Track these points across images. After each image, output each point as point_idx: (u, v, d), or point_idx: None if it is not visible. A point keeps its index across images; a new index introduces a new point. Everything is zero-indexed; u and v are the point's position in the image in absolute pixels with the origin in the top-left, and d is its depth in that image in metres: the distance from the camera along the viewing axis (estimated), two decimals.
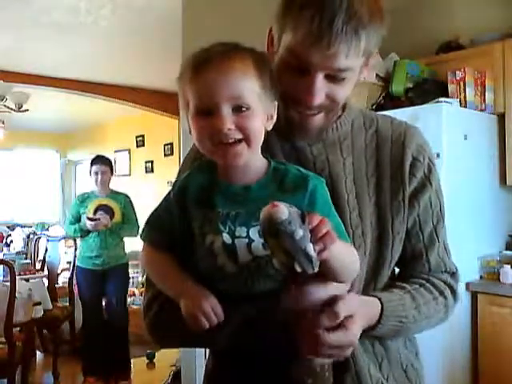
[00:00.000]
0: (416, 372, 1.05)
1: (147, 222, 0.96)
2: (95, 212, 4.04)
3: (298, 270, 0.72)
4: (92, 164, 4.20)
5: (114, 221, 4.09)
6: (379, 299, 0.92)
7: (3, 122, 6.44)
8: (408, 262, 1.03)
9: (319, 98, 0.91)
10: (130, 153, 8.34)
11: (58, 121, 8.47)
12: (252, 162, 0.87)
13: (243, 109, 0.82)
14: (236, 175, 0.87)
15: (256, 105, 0.84)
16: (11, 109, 5.55)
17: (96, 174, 4.15)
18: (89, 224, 3.96)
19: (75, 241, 4.69)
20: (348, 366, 0.93)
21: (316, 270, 0.72)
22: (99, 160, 4.23)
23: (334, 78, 0.90)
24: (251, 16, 2.94)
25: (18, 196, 8.92)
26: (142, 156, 8.05)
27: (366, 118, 1.06)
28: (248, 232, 0.83)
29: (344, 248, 0.82)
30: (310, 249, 0.71)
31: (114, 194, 4.25)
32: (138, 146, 8.17)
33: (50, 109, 7.42)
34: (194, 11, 3.37)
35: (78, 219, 4.11)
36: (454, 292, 1.05)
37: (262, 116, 0.85)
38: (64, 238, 5.49)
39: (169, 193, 0.94)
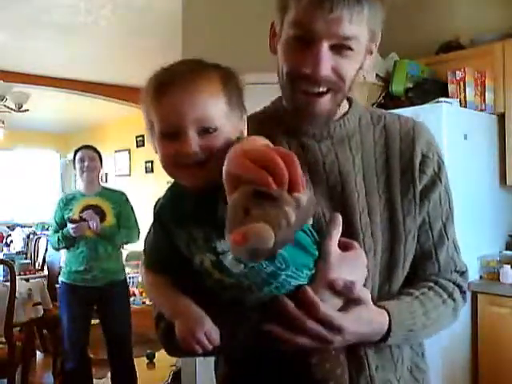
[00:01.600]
0: (421, 372, 1.03)
1: (144, 248, 0.95)
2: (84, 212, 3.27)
3: None
4: (76, 152, 3.43)
5: (106, 224, 3.28)
6: (386, 310, 0.90)
7: (3, 122, 6.44)
8: (417, 261, 1.01)
9: (325, 69, 0.88)
10: (129, 153, 8.34)
11: (57, 121, 8.48)
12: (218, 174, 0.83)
13: (210, 130, 0.80)
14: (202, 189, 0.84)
15: (223, 124, 0.82)
16: (11, 109, 5.55)
17: (82, 160, 3.35)
18: (71, 228, 3.17)
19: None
20: (362, 367, 0.93)
21: None
22: (84, 147, 3.48)
23: (339, 49, 0.89)
24: (251, 16, 2.94)
25: (18, 196, 8.93)
26: (141, 156, 8.05)
27: (373, 114, 1.05)
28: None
29: None
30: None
31: (106, 192, 3.45)
32: (138, 146, 8.17)
33: (49, 109, 7.43)
34: (194, 11, 3.37)
35: (63, 226, 3.28)
36: (463, 292, 1.03)
37: (230, 134, 0.83)
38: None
39: (153, 217, 0.93)
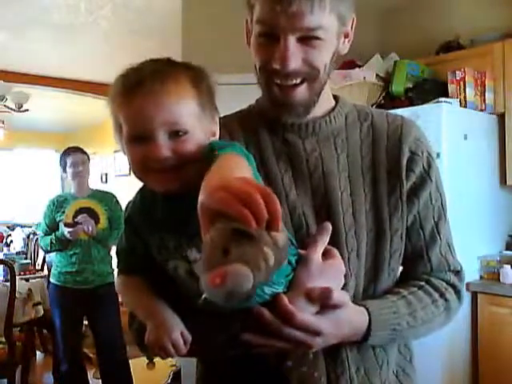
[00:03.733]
0: (408, 377, 1.02)
1: (116, 251, 0.94)
2: (75, 217, 3.24)
3: None
4: (65, 155, 3.35)
5: (100, 227, 3.29)
6: (366, 309, 0.89)
7: (3, 122, 6.43)
8: (409, 261, 1.00)
9: (293, 62, 0.88)
10: None
11: (58, 121, 8.48)
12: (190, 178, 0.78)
13: (180, 133, 0.78)
14: (175, 194, 0.82)
15: (194, 127, 0.79)
16: (11, 109, 5.55)
17: (74, 165, 3.29)
18: (67, 231, 3.15)
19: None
20: (342, 369, 0.91)
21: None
22: (73, 149, 3.38)
23: (306, 40, 0.88)
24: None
25: (18, 196, 8.92)
26: None
27: (361, 111, 1.03)
28: (200, 251, 0.77)
29: None
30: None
31: (97, 194, 3.42)
32: None
33: (49, 109, 7.43)
34: (194, 11, 3.37)
35: (55, 229, 3.27)
36: (457, 292, 1.01)
37: (201, 137, 0.80)
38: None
39: (124, 220, 0.92)
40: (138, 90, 0.77)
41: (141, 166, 0.80)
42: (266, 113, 1.00)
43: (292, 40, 0.87)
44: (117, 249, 0.94)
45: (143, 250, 0.87)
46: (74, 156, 3.34)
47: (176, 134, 0.78)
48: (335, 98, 1.04)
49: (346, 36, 0.95)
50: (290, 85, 0.91)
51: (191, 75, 0.82)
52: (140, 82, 0.78)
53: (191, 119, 0.79)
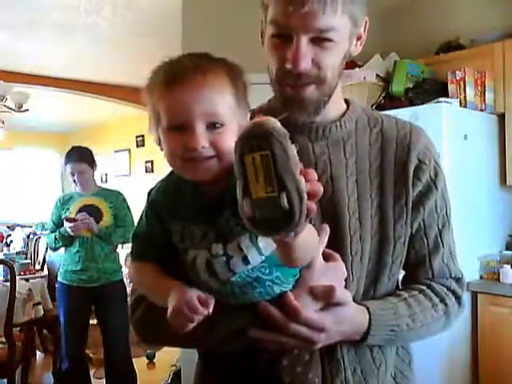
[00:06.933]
0: (407, 380, 1.03)
1: (132, 238, 0.94)
2: (78, 214, 3.28)
3: (285, 205, 0.61)
4: (66, 162, 3.36)
5: (103, 224, 3.28)
6: (367, 308, 0.91)
7: (3, 122, 6.44)
8: (411, 266, 1.01)
9: (304, 62, 0.89)
10: (129, 153, 8.35)
11: (58, 121, 8.49)
12: (223, 173, 0.82)
13: (217, 125, 0.80)
14: (206, 186, 0.84)
15: (230, 120, 0.81)
16: (11, 109, 5.55)
17: (72, 174, 3.34)
18: (68, 227, 3.19)
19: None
20: (338, 370, 0.93)
21: (303, 219, 0.63)
22: (73, 156, 3.34)
23: (318, 41, 0.89)
24: (250, 16, 2.94)
25: (18, 196, 8.93)
26: (141, 156, 8.06)
27: (371, 116, 1.04)
28: (225, 248, 0.81)
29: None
30: (302, 180, 0.62)
31: (103, 192, 3.45)
32: (138, 146, 8.17)
33: (49, 109, 7.44)
34: (194, 11, 3.37)
35: (60, 226, 3.29)
36: (458, 298, 1.03)
37: (236, 131, 0.82)
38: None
39: (147, 205, 0.93)
40: (179, 80, 0.80)
41: (178, 155, 0.82)
42: (276, 113, 1.01)
43: (304, 40, 0.88)
44: (133, 233, 0.94)
45: (162, 236, 0.88)
46: (72, 165, 3.31)
47: (213, 125, 0.80)
48: (346, 101, 1.05)
49: (359, 38, 0.96)
50: (299, 84, 0.92)
51: (229, 70, 0.84)
52: (182, 73, 0.80)
53: (228, 112, 0.81)
